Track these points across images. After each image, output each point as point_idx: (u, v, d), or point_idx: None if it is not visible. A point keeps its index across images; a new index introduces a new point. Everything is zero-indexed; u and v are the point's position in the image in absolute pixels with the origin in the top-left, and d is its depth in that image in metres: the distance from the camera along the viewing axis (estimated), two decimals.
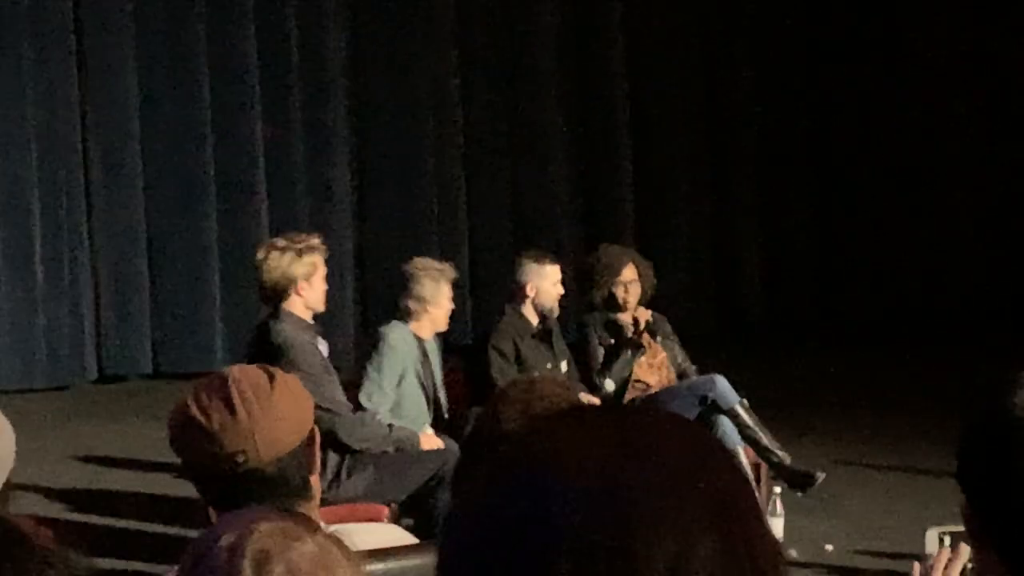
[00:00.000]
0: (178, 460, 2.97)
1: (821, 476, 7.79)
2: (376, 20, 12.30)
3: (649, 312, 8.12)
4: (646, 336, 7.96)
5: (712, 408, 7.66)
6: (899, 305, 12.95)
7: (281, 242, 6.88)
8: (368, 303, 11.86)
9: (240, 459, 2.82)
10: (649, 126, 13.11)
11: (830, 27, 13.35)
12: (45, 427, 9.63)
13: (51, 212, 11.25)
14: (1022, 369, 2.21)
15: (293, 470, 2.87)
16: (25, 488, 7.74)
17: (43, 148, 11.22)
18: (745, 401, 7.76)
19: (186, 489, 2.97)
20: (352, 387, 7.02)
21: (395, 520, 6.47)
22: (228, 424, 2.82)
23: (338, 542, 2.05)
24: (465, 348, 9.30)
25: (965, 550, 2.34)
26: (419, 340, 7.20)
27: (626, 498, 1.15)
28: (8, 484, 2.92)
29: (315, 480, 2.94)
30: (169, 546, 6.82)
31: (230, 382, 2.86)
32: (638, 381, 7.96)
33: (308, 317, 6.82)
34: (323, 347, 6.89)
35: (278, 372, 2.94)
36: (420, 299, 7.13)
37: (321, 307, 6.90)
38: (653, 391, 7.93)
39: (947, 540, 2.46)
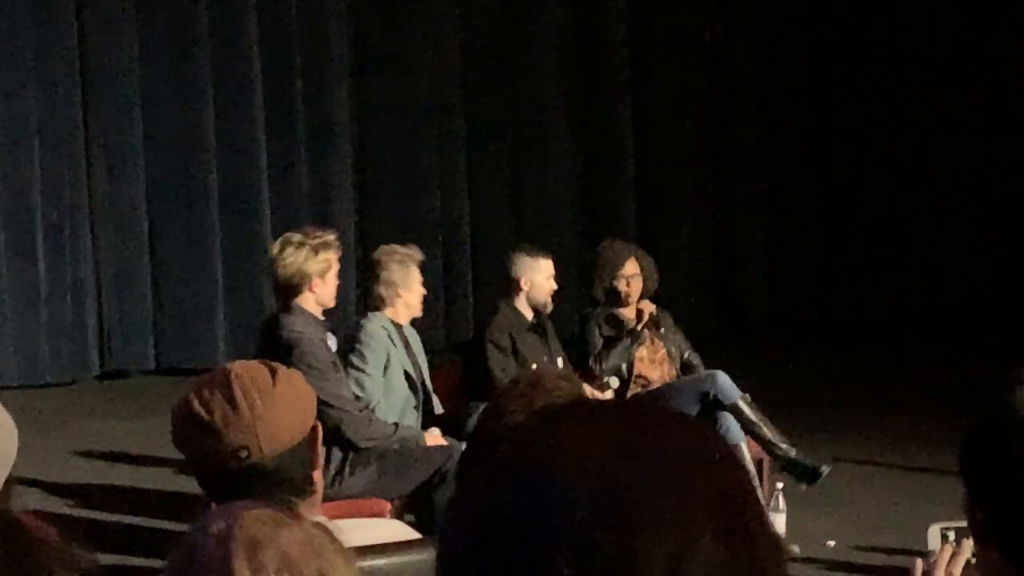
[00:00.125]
0: (181, 456, 2.97)
1: (827, 469, 7.78)
2: (378, 18, 12.30)
3: (653, 305, 8.12)
4: (648, 330, 7.96)
5: (714, 404, 7.65)
6: (900, 304, 12.95)
7: (297, 237, 6.85)
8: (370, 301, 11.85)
9: (242, 454, 2.82)
10: (650, 125, 13.11)
11: (831, 27, 13.34)
12: (48, 423, 9.63)
13: (53, 209, 11.25)
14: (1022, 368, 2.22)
15: (295, 465, 2.87)
16: (28, 484, 7.74)
17: (45, 145, 11.22)
18: (747, 396, 7.75)
19: (189, 485, 2.97)
20: None
21: (397, 516, 6.47)
22: (230, 419, 2.82)
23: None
24: (462, 343, 9.30)
25: (967, 546, 2.34)
26: (398, 328, 7.19)
27: (626, 497, 1.15)
28: (11, 480, 2.92)
29: (318, 475, 2.94)
30: (172, 542, 6.82)
31: (232, 377, 2.87)
32: (639, 376, 7.96)
33: (319, 313, 6.82)
34: (332, 343, 6.88)
35: (280, 367, 2.94)
36: (390, 284, 7.11)
37: (332, 303, 6.91)
38: (654, 387, 7.93)
39: (951, 536, 2.46)
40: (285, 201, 11.87)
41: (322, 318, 6.85)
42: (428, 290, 11.83)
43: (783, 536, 7.36)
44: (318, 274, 6.76)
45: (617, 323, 8.04)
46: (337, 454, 6.68)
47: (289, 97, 11.98)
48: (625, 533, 1.13)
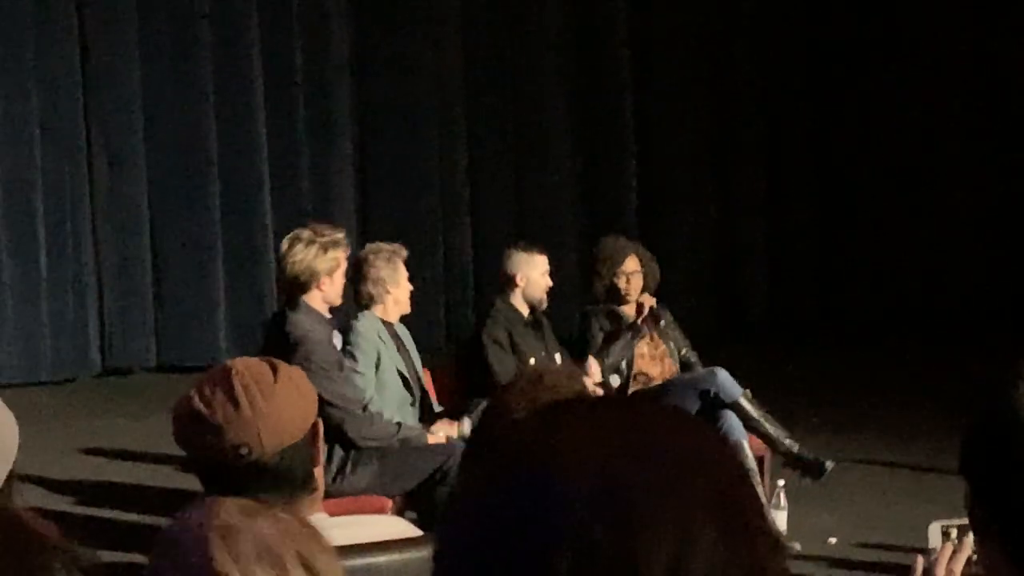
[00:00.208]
0: (182, 453, 2.98)
1: (831, 465, 7.78)
2: (379, 17, 12.30)
3: (653, 299, 8.12)
4: (648, 323, 7.96)
5: (715, 401, 7.65)
6: (900, 303, 12.95)
7: (306, 234, 6.83)
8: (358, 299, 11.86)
9: (243, 451, 2.82)
10: (652, 123, 13.11)
11: (832, 26, 13.34)
12: (49, 420, 9.63)
13: (55, 206, 11.26)
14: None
15: (297, 462, 2.87)
16: (29, 481, 7.75)
17: (47, 142, 11.22)
18: (748, 392, 7.74)
19: (190, 482, 2.97)
20: None
21: (398, 513, 6.47)
22: (231, 417, 2.83)
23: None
24: (460, 341, 9.30)
25: (968, 543, 2.34)
26: (388, 326, 7.19)
27: (626, 497, 1.14)
28: (12, 476, 2.93)
29: (319, 472, 2.94)
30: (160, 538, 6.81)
31: (234, 375, 2.87)
32: (640, 373, 7.96)
33: (325, 311, 6.82)
34: (338, 341, 6.88)
35: (281, 365, 2.94)
36: (378, 281, 7.10)
37: (339, 302, 6.91)
38: (655, 383, 7.93)
39: (953, 533, 2.46)
40: (286, 199, 11.87)
41: (328, 316, 6.84)
42: (429, 289, 11.98)
43: (784, 533, 7.37)
44: (326, 272, 6.75)
45: (617, 320, 8.05)
46: (339, 452, 6.69)
47: (290, 96, 11.98)
48: (625, 533, 1.13)
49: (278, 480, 2.85)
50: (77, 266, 11.36)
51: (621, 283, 8.09)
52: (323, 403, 5.72)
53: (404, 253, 7.27)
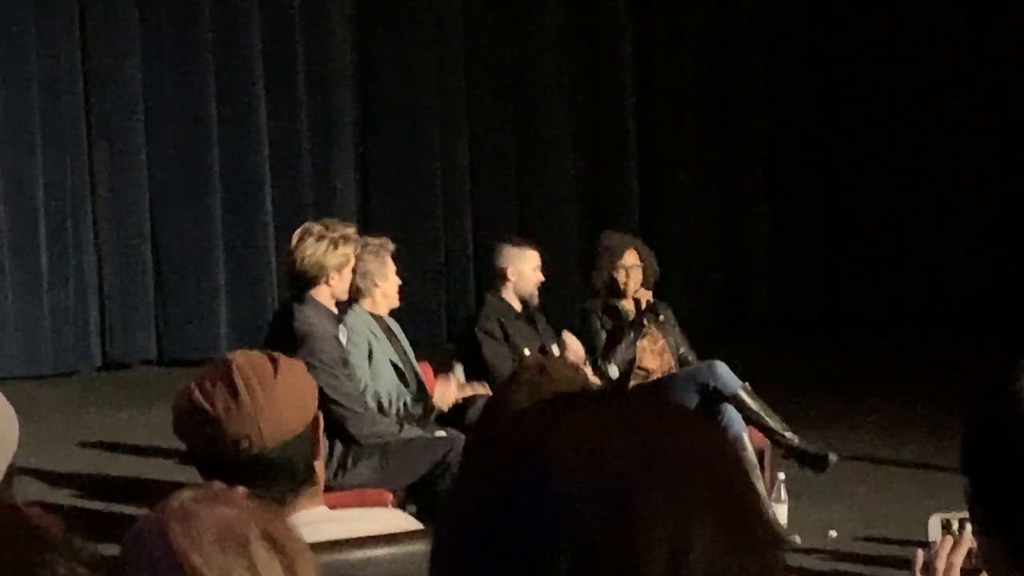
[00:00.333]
0: (183, 446, 2.98)
1: (834, 458, 7.78)
2: (382, 13, 12.29)
3: (650, 294, 8.12)
4: (648, 319, 7.96)
5: (715, 395, 7.65)
6: (902, 299, 12.95)
7: (317, 228, 6.81)
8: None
9: (244, 445, 2.83)
10: (654, 121, 13.10)
11: (834, 24, 13.34)
12: (50, 414, 9.64)
13: (56, 201, 11.25)
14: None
15: (297, 456, 2.87)
16: (30, 474, 7.76)
17: (48, 138, 11.22)
18: (747, 385, 7.74)
19: (191, 475, 2.97)
20: None
21: (399, 506, 6.47)
22: (232, 410, 2.83)
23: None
24: (455, 337, 9.29)
25: (968, 536, 2.35)
26: (378, 319, 7.19)
27: (626, 494, 1.14)
28: (12, 470, 2.93)
29: (319, 466, 2.95)
30: None
31: (234, 368, 2.87)
32: (640, 367, 7.96)
33: (332, 306, 6.81)
34: (343, 336, 6.87)
35: (282, 358, 2.94)
36: (365, 275, 7.09)
37: (345, 297, 6.90)
38: (655, 377, 7.93)
39: (954, 526, 2.46)
40: (287, 194, 11.87)
41: (335, 311, 6.84)
42: (430, 286, 11.97)
43: (785, 527, 7.37)
44: (336, 268, 6.74)
45: (616, 314, 8.04)
46: (339, 447, 6.69)
47: (292, 91, 11.97)
48: (625, 530, 1.13)
49: (278, 473, 2.85)
50: (78, 260, 11.36)
51: (620, 277, 8.09)
52: (325, 400, 5.74)
53: (392, 247, 7.27)
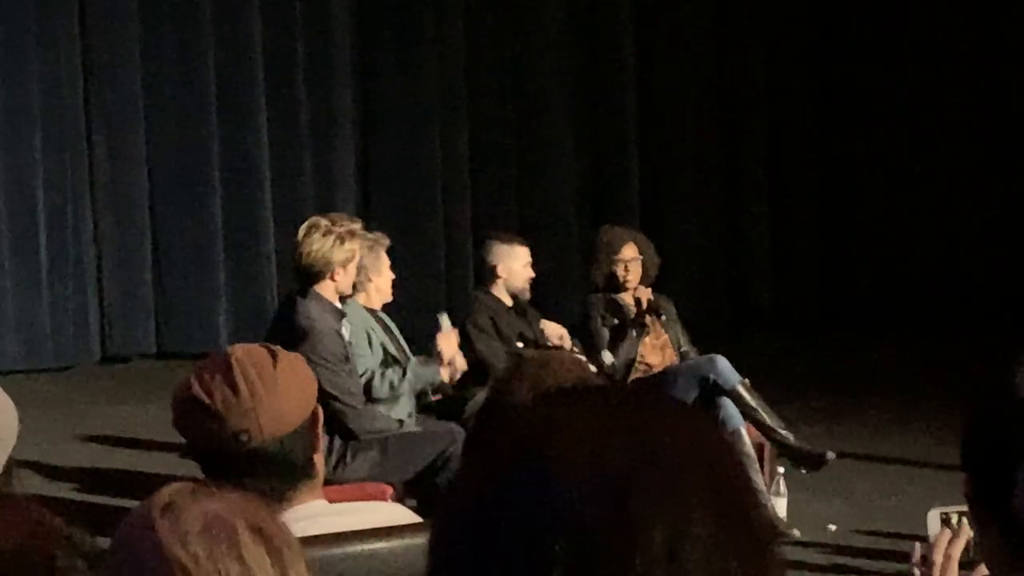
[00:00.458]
0: (182, 440, 2.98)
1: (832, 456, 7.79)
2: (383, 8, 12.29)
3: (650, 291, 8.12)
4: (650, 315, 7.96)
5: (714, 389, 7.66)
6: (903, 295, 12.95)
7: (324, 223, 6.80)
8: None
9: (243, 438, 2.83)
10: (656, 116, 13.09)
11: (836, 17, 13.33)
12: (49, 407, 9.64)
13: (56, 195, 11.25)
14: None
15: (296, 449, 2.87)
16: (30, 468, 7.76)
17: (47, 129, 11.22)
18: (746, 381, 7.75)
19: (191, 468, 2.97)
20: None
21: (399, 500, 6.48)
22: (231, 403, 2.83)
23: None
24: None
25: (966, 529, 2.35)
26: (372, 313, 7.20)
27: (623, 484, 1.15)
28: (12, 463, 2.93)
29: (319, 459, 2.95)
30: None
31: (233, 361, 2.87)
32: (641, 362, 7.96)
33: (336, 301, 6.81)
34: (346, 331, 6.87)
35: (281, 351, 2.94)
36: (360, 270, 7.10)
37: (349, 292, 6.90)
38: (655, 371, 7.93)
39: (953, 520, 2.46)
40: (287, 185, 11.87)
41: (339, 306, 6.84)
42: (430, 281, 11.96)
43: (784, 520, 7.38)
44: (341, 263, 6.74)
45: (616, 308, 8.04)
46: (339, 440, 6.69)
47: (292, 85, 11.96)
48: (622, 520, 1.14)
49: (278, 466, 2.85)
50: (77, 254, 11.36)
51: (619, 271, 8.09)
52: (325, 396, 5.74)
53: (387, 242, 7.27)
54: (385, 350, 7.14)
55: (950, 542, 2.32)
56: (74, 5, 11.32)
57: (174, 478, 2.14)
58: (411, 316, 8.22)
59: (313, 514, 2.90)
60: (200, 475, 2.92)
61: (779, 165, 13.38)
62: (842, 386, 10.44)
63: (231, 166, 11.75)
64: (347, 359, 6.76)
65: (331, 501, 3.07)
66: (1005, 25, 12.95)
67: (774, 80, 13.31)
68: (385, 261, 7.23)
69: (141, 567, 1.93)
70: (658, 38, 13.09)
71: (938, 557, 2.31)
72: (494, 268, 7.75)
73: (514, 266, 7.75)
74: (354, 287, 7.10)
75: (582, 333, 8.03)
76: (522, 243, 7.87)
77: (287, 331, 6.54)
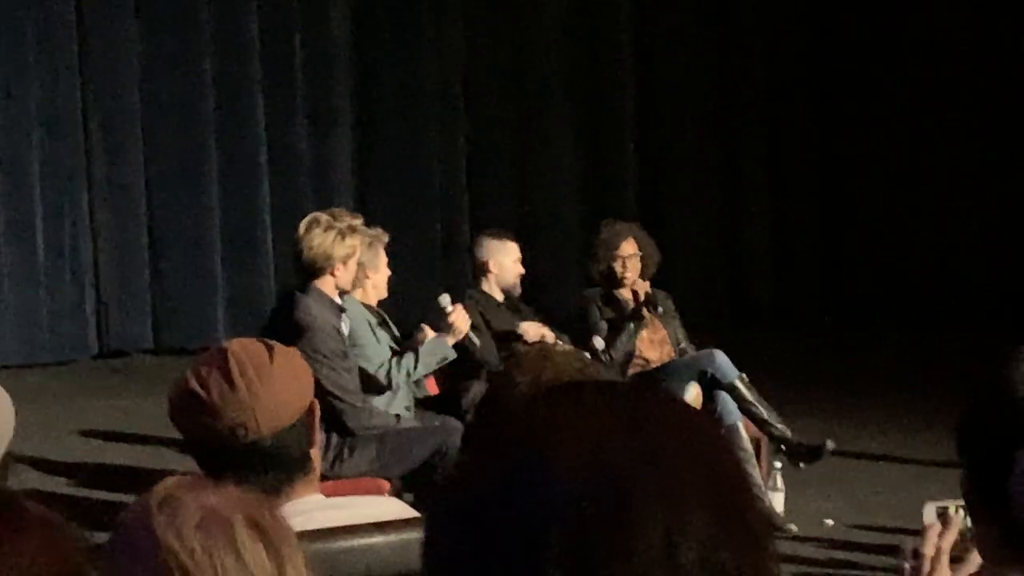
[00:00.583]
0: (179, 435, 2.98)
1: (832, 445, 7.80)
2: (381, 2, 12.29)
3: (647, 284, 8.11)
4: (647, 309, 7.96)
5: (712, 383, 7.66)
6: (903, 290, 12.95)
7: (325, 218, 6.80)
8: None
9: (240, 432, 2.83)
10: (654, 111, 13.09)
11: (835, 11, 13.33)
12: (47, 402, 9.63)
13: (53, 189, 11.25)
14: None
15: (293, 443, 2.87)
16: (27, 463, 7.76)
17: (44, 125, 11.21)
18: (744, 376, 7.75)
19: (188, 464, 2.98)
20: None
21: (396, 495, 6.48)
22: (228, 397, 2.83)
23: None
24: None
25: (957, 521, 2.35)
26: (369, 308, 7.20)
27: (619, 476, 1.15)
28: (9, 458, 2.93)
29: (315, 454, 2.95)
30: None
31: (230, 356, 2.87)
32: (639, 357, 7.96)
33: (336, 296, 6.81)
34: (345, 327, 6.87)
35: (277, 346, 2.94)
36: (359, 266, 7.10)
37: (349, 288, 6.89)
38: (653, 366, 7.93)
39: (950, 513, 2.46)
40: (285, 181, 11.87)
41: (338, 301, 6.84)
42: (427, 276, 11.95)
43: (781, 515, 7.39)
44: (342, 259, 6.73)
45: (615, 304, 8.04)
46: (336, 436, 6.69)
47: (289, 76, 11.96)
48: (619, 511, 1.14)
49: (274, 461, 2.85)
50: (75, 248, 11.36)
51: (618, 267, 8.08)
52: (323, 392, 5.74)
53: (386, 239, 7.28)
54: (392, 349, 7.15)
55: (940, 535, 2.32)
56: (71, 0, 11.32)
57: (172, 473, 2.14)
58: (407, 312, 8.21)
59: (310, 508, 2.90)
60: (197, 470, 2.92)
61: (778, 163, 13.38)
62: (840, 382, 10.45)
63: (228, 161, 11.75)
64: (345, 356, 6.76)
65: (328, 496, 3.07)
66: (1005, 25, 12.95)
67: (774, 79, 13.31)
68: (383, 258, 7.24)
69: (138, 560, 1.93)
70: (657, 36, 13.09)
71: (928, 550, 2.31)
72: (485, 264, 7.75)
73: (505, 262, 7.76)
74: (352, 283, 7.10)
75: (579, 326, 8.02)
76: (512, 239, 7.87)
77: (286, 327, 6.54)
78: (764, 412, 7.74)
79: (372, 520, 3.08)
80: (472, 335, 7.29)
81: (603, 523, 1.14)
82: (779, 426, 7.77)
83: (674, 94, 13.07)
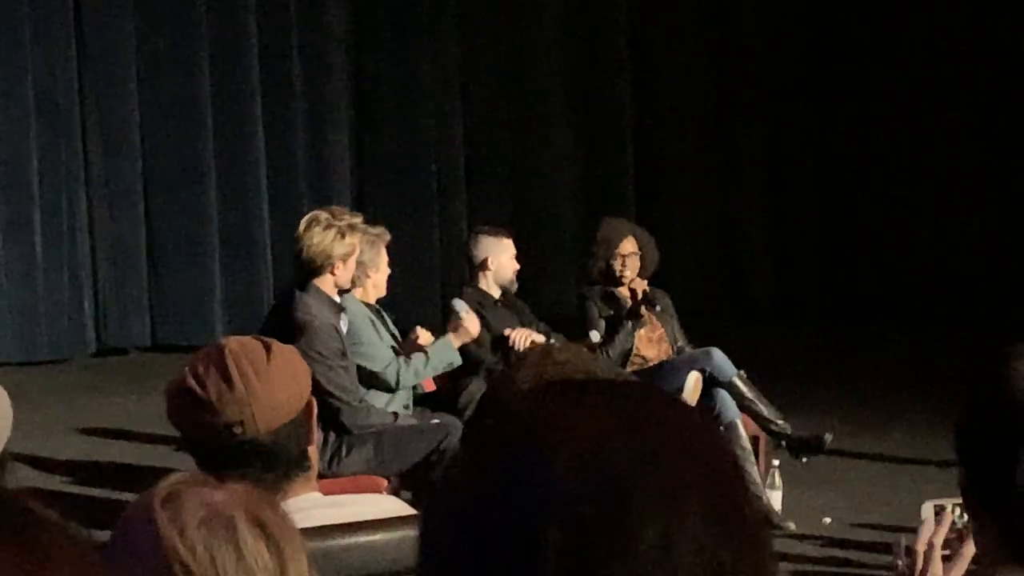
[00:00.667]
0: (177, 432, 2.98)
1: (829, 437, 7.80)
2: (377, 1, 12.29)
3: (645, 283, 8.11)
4: (645, 307, 7.96)
5: (710, 381, 7.66)
6: (902, 285, 12.96)
7: (324, 216, 6.80)
8: None
9: (237, 430, 2.83)
10: (655, 109, 13.09)
11: (838, 12, 13.33)
12: (45, 400, 9.64)
13: (50, 186, 11.24)
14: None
15: (290, 441, 2.87)
16: (25, 461, 7.76)
17: (42, 123, 11.21)
18: (743, 373, 7.75)
19: (185, 461, 2.97)
20: None
21: (394, 493, 6.48)
22: (224, 395, 2.83)
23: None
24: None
25: (949, 517, 2.35)
26: (369, 307, 7.20)
27: (616, 474, 1.15)
28: (6, 456, 2.93)
29: (312, 451, 2.95)
30: None
31: (227, 353, 2.87)
32: (637, 355, 7.96)
33: (335, 295, 6.81)
34: (344, 325, 6.87)
35: (275, 343, 2.94)
36: (360, 264, 7.10)
37: (348, 286, 6.89)
38: (651, 365, 7.93)
39: (948, 511, 2.47)
40: (282, 178, 11.87)
41: (337, 299, 6.84)
42: (425, 273, 11.95)
43: (779, 513, 7.39)
44: (341, 258, 6.73)
45: (614, 301, 8.04)
46: (333, 435, 6.69)
47: (287, 73, 11.96)
48: (616, 509, 1.14)
49: (272, 458, 2.85)
50: (72, 246, 11.35)
51: (617, 265, 8.08)
52: (320, 392, 5.74)
53: (387, 237, 7.28)
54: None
55: (933, 531, 2.32)
56: None
57: (169, 471, 2.14)
58: (405, 310, 8.22)
59: (307, 506, 2.89)
60: (195, 468, 2.92)
61: (777, 162, 13.39)
62: (839, 381, 10.45)
63: (226, 158, 11.74)
64: (343, 355, 6.76)
65: (325, 494, 3.06)
66: (1005, 25, 12.95)
67: (773, 78, 13.31)
68: (384, 257, 7.24)
69: (139, 556, 1.93)
70: (656, 34, 13.09)
71: (920, 546, 2.31)
72: (484, 261, 7.75)
73: (502, 258, 7.76)
74: (352, 281, 7.10)
75: (578, 326, 8.02)
76: (508, 235, 7.88)
77: (284, 325, 6.54)
78: (763, 409, 7.74)
79: (370, 518, 3.08)
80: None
81: (602, 523, 1.13)
82: (779, 422, 7.77)
83: (673, 92, 13.07)
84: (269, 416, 2.84)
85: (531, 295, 8.26)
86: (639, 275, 8.12)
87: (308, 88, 12.04)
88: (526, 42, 12.71)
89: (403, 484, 6.74)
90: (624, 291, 8.06)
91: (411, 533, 3.15)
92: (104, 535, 2.02)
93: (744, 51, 13.31)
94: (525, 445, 1.17)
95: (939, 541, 2.31)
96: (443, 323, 7.69)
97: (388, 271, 7.30)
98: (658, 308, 8.02)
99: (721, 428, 7.24)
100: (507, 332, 7.52)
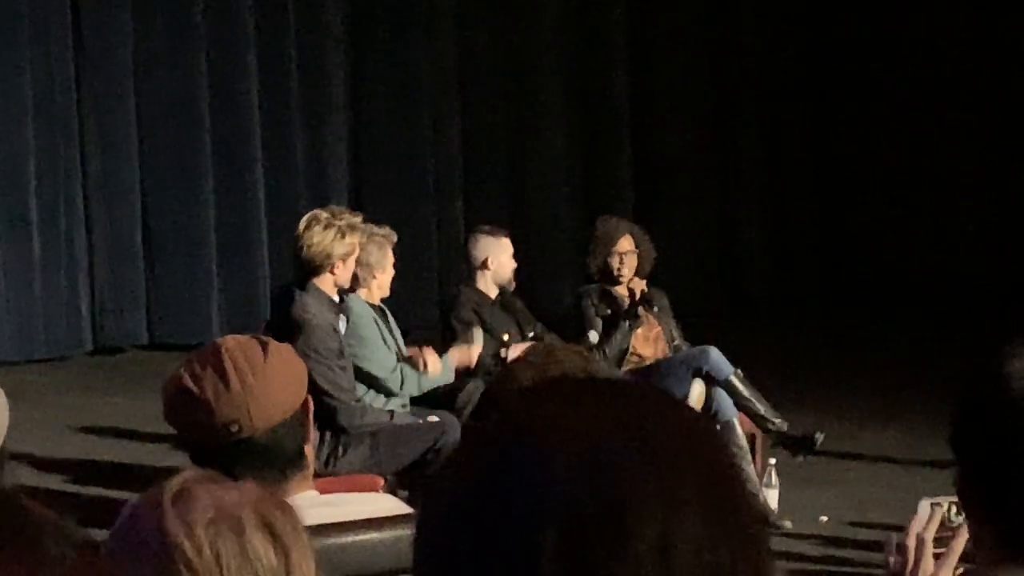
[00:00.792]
0: (174, 431, 2.98)
1: (820, 437, 7.80)
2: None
3: (644, 283, 8.11)
4: (643, 307, 7.96)
5: (707, 380, 7.66)
6: (903, 284, 12.96)
7: (324, 215, 6.80)
8: None
9: (233, 429, 2.83)
10: (652, 108, 13.08)
11: (838, 12, 13.33)
12: (42, 399, 9.63)
13: (48, 185, 11.23)
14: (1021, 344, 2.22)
15: (287, 439, 2.87)
16: (21, 459, 7.75)
17: (39, 121, 11.19)
18: (739, 371, 7.75)
19: (182, 460, 2.97)
20: None
21: (391, 491, 6.48)
22: (221, 394, 2.83)
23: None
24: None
25: (939, 513, 2.35)
26: (373, 307, 7.21)
27: (615, 472, 1.15)
28: (3, 454, 2.92)
29: (309, 450, 2.95)
30: None
31: (223, 352, 2.87)
32: (634, 354, 7.96)
33: (334, 294, 6.81)
34: (342, 325, 6.87)
35: (272, 342, 2.94)
36: (367, 265, 7.10)
37: (348, 285, 6.89)
38: (647, 363, 7.93)
39: (944, 509, 2.46)
40: (280, 177, 11.85)
41: (336, 299, 6.83)
42: (423, 272, 11.95)
43: (776, 511, 7.39)
44: (341, 257, 6.73)
45: (611, 300, 8.04)
46: (330, 434, 6.69)
47: (284, 73, 11.95)
48: (614, 507, 1.13)
49: (268, 457, 2.85)
50: (70, 244, 11.34)
51: (614, 263, 8.08)
52: (318, 391, 5.73)
53: (394, 238, 7.28)
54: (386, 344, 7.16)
55: (926, 526, 2.32)
56: None
57: (166, 469, 2.14)
58: (403, 309, 8.21)
59: (304, 505, 2.88)
60: (191, 466, 2.92)
61: (776, 161, 13.39)
62: (837, 380, 10.45)
63: (223, 157, 11.73)
64: (341, 354, 6.76)
65: (322, 492, 3.06)
66: (1005, 25, 12.95)
67: (772, 78, 13.31)
68: (390, 258, 7.25)
69: (144, 551, 1.93)
70: (654, 32, 13.08)
71: (910, 541, 2.30)
72: (484, 260, 7.75)
73: (502, 258, 7.77)
74: (356, 281, 7.11)
75: (577, 325, 8.02)
76: (506, 235, 7.89)
77: (283, 325, 6.55)
78: (760, 407, 7.74)
79: (366, 517, 3.08)
80: (471, 331, 7.32)
81: (597, 520, 1.13)
82: (776, 420, 7.77)
83: (671, 91, 13.07)
84: (266, 415, 2.84)
85: (529, 294, 8.26)
86: (637, 274, 8.12)
87: (306, 88, 12.03)
88: (524, 42, 12.70)
89: (400, 483, 6.74)
90: (622, 290, 8.06)
91: (407, 532, 3.14)
92: (101, 534, 2.01)
93: (743, 51, 13.31)
94: (523, 444, 1.17)
95: (930, 536, 2.31)
96: (441, 323, 7.70)
97: (393, 272, 7.31)
98: (656, 308, 8.03)
99: (718, 426, 7.25)
100: (503, 347, 7.51)
